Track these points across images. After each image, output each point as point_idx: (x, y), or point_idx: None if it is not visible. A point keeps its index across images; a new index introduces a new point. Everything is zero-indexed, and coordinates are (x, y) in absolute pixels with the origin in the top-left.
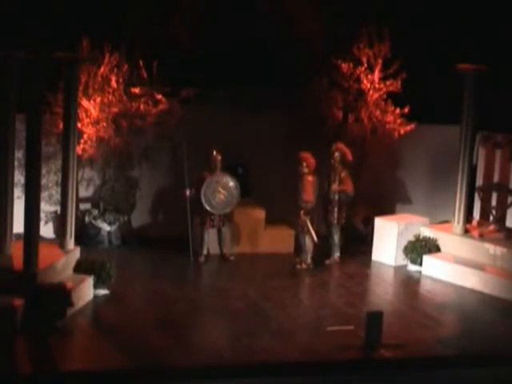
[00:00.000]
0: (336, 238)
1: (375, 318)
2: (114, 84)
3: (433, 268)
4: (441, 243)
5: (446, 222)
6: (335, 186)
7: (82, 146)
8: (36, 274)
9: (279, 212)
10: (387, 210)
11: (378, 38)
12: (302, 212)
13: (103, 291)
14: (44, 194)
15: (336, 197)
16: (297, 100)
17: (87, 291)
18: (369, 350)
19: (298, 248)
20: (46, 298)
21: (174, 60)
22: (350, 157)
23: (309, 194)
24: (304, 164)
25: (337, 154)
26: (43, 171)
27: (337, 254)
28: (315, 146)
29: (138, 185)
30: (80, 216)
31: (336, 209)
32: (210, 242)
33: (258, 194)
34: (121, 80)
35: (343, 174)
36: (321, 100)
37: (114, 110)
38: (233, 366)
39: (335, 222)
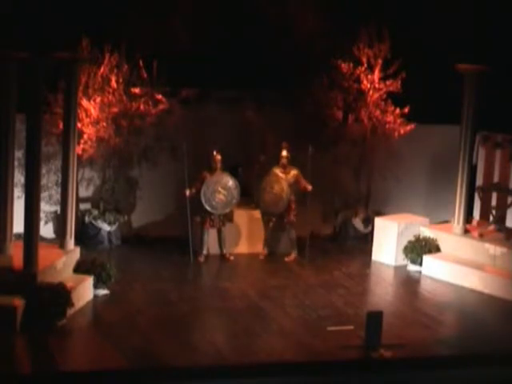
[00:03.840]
0: (292, 235)
1: (375, 317)
2: (113, 84)
3: (433, 268)
4: (441, 243)
5: (446, 221)
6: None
7: (81, 146)
8: (36, 273)
9: None
10: (387, 209)
11: (378, 37)
12: None
13: (103, 291)
14: (44, 194)
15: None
16: (297, 100)
17: (87, 291)
18: (369, 350)
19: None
20: (46, 298)
21: (174, 60)
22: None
23: None
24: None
25: (285, 153)
26: (43, 171)
27: (295, 252)
28: (315, 146)
29: (137, 185)
30: (80, 216)
31: (291, 207)
32: (210, 242)
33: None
34: (121, 80)
35: (296, 173)
36: (321, 100)
37: (114, 109)
38: (233, 366)
39: (292, 219)
